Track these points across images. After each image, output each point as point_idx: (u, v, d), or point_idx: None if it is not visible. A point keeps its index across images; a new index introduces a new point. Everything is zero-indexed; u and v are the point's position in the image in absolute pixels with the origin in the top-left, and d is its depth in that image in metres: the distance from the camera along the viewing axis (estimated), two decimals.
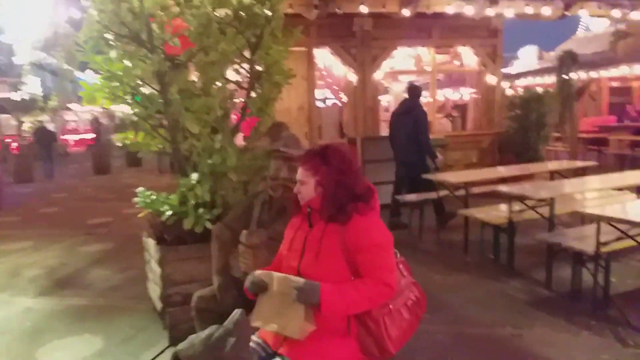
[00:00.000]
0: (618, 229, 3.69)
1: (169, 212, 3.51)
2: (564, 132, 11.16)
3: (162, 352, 3.50)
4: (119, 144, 4.30)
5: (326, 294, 1.92)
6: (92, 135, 18.81)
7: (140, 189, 3.73)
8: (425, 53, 9.50)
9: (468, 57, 9.26)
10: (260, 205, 2.93)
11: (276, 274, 2.05)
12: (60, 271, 5.44)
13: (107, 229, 7.50)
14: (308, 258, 2.08)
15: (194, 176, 3.56)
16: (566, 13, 7.84)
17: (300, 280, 1.96)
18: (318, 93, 8.42)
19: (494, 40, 9.14)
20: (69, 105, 26.31)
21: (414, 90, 6.58)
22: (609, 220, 3.62)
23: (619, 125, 13.39)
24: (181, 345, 1.61)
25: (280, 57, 4.11)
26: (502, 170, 6.36)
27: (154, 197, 3.64)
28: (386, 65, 8.76)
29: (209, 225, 3.51)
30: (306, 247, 2.11)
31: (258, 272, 2.10)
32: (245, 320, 1.68)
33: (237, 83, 4.33)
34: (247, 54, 4.14)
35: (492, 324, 3.78)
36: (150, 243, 3.87)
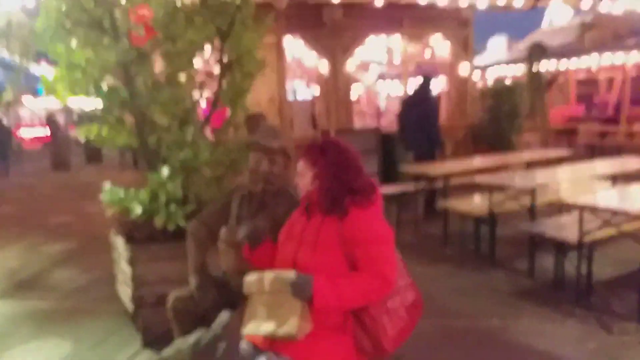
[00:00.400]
0: (602, 218, 3.65)
1: (139, 210, 3.29)
2: (535, 123, 11.28)
3: (135, 354, 3.31)
4: (82, 139, 4.05)
5: (319, 286, 1.83)
6: (47, 131, 17.99)
7: (107, 185, 3.49)
8: (397, 44, 9.42)
9: (440, 47, 9.21)
10: (239, 200, 2.75)
11: (266, 275, 1.92)
12: (21, 273, 5.13)
13: (69, 227, 7.15)
14: (305, 249, 2.00)
15: (165, 171, 3.35)
16: (537, 3, 7.86)
17: (292, 274, 1.86)
18: (288, 85, 8.24)
19: (464, 30, 9.12)
20: (22, 100, 25.26)
21: (426, 81, 6.56)
22: (593, 209, 3.59)
23: (587, 115, 13.68)
24: (167, 352, 1.44)
25: (253, 45, 3.92)
26: (480, 161, 6.33)
27: (122, 193, 3.41)
28: (357, 55, 8.62)
29: (181, 222, 3.33)
30: (303, 238, 2.03)
31: (249, 276, 1.97)
32: (234, 323, 1.52)
33: (207, 73, 4.13)
34: (217, 42, 3.95)
35: (477, 315, 3.72)
36: (119, 242, 3.64)
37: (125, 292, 3.68)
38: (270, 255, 2.20)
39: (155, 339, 3.37)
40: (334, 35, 8.13)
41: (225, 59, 3.89)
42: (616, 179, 5.60)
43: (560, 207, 5.79)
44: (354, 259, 1.94)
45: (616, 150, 11.74)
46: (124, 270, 3.62)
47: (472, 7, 8.34)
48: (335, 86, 8.23)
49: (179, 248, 3.44)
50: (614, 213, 3.55)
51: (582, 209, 3.68)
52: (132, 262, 3.39)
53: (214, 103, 3.99)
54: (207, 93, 4.09)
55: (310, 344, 1.86)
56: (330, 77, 8.17)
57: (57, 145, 15.13)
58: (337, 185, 1.99)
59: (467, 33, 9.09)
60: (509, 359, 3.09)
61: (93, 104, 3.75)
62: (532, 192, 4.51)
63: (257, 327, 1.90)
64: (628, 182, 5.55)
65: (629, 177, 5.80)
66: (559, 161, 6.65)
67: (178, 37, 3.66)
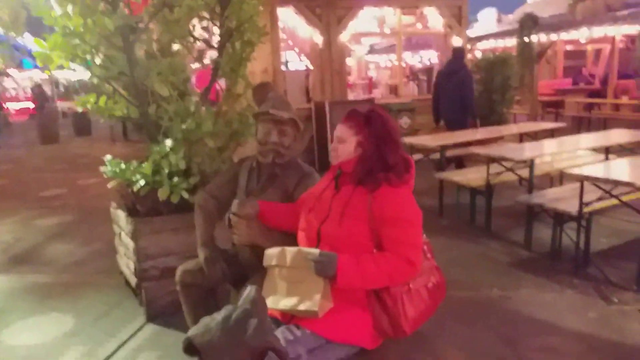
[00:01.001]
0: (602, 189, 3.70)
1: (142, 182, 3.23)
2: (523, 95, 11.29)
3: (140, 328, 3.30)
4: (79, 110, 3.95)
5: (343, 265, 1.81)
6: (34, 104, 17.60)
7: (108, 157, 3.43)
8: (390, 14, 9.28)
9: (433, 19, 9.10)
10: (247, 172, 2.71)
11: (288, 249, 1.90)
12: (16, 247, 5.07)
13: (62, 200, 7.05)
14: (332, 219, 1.98)
15: (168, 142, 3.29)
16: None
17: (316, 251, 1.85)
18: (281, 55, 8.10)
19: (459, 1, 9.00)
20: (8, 72, 24.58)
21: (459, 52, 6.83)
22: (594, 181, 3.62)
23: (574, 88, 13.72)
24: (194, 330, 1.42)
25: (254, 12, 3.82)
26: (475, 133, 6.33)
27: (123, 165, 3.35)
28: (351, 26, 8.48)
29: (185, 195, 3.29)
30: (332, 208, 2.00)
31: (270, 250, 1.96)
32: (262, 298, 1.50)
33: (206, 41, 4.02)
34: (217, 9, 3.83)
35: (478, 286, 3.77)
36: (121, 215, 3.60)
37: (127, 265, 3.65)
38: (284, 213, 2.28)
39: (159, 313, 3.38)
40: (329, 4, 7.98)
41: (225, 26, 3.78)
42: (608, 150, 5.66)
43: (552, 179, 5.88)
44: (379, 237, 1.92)
45: (602, 123, 11.89)
46: (126, 243, 3.59)
47: None
48: (330, 57, 8.12)
49: (182, 221, 3.43)
50: (616, 184, 3.58)
51: (583, 180, 3.71)
52: (134, 235, 3.34)
53: (214, 72, 3.90)
54: (206, 62, 4.01)
55: (329, 318, 1.84)
56: (325, 49, 8.05)
57: (44, 117, 14.75)
58: (376, 157, 1.97)
59: (462, 3, 8.99)
60: (513, 329, 3.13)
61: (86, 74, 3.64)
62: (531, 164, 4.53)
63: (277, 301, 1.88)
64: (620, 155, 5.64)
65: (622, 149, 5.89)
66: (550, 133, 6.72)
67: (175, 4, 3.56)
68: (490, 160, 4.83)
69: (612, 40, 12.48)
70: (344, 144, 2.03)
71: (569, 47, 15.73)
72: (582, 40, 13.68)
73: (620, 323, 3.15)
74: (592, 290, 3.61)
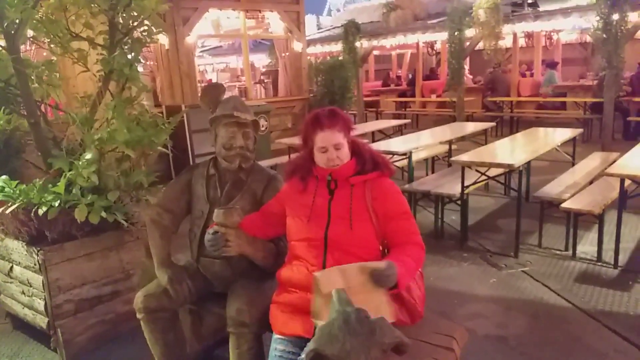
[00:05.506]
0: (479, 172, 4.32)
1: (56, 203, 2.75)
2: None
3: None
4: None
5: (401, 270, 1.78)
6: None
7: (4, 177, 2.82)
8: (225, 18, 9.26)
9: (274, 23, 9.34)
10: (204, 180, 2.54)
11: (342, 267, 1.73)
12: None
13: None
14: (339, 225, 1.97)
15: (88, 156, 2.85)
16: None
17: (382, 264, 1.73)
18: None
19: (296, 6, 9.39)
20: None
21: None
22: (478, 166, 4.22)
23: (387, 89, 15.36)
24: (319, 343, 1.30)
25: (157, 7, 3.50)
26: None
27: (23, 186, 2.79)
28: (197, 28, 8.23)
29: (104, 214, 2.91)
30: (332, 214, 1.99)
31: (318, 273, 1.73)
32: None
33: (89, 40, 3.56)
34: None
35: None
36: (15, 245, 3.01)
37: (30, 304, 3.05)
38: (260, 221, 2.24)
39: (78, 352, 2.95)
40: (173, 4, 7.60)
41: (124, 23, 3.41)
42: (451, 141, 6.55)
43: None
44: (386, 233, 1.99)
45: (416, 119, 13.58)
46: (26, 278, 3.01)
47: None
48: (177, 59, 7.76)
49: (97, 244, 3.08)
50: (491, 166, 4.22)
51: (464, 165, 4.29)
52: (44, 267, 2.83)
53: (107, 75, 3.48)
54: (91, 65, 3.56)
55: None
56: (172, 49, 7.66)
57: None
58: (365, 153, 2.05)
59: (299, 9, 9.39)
60: (440, 304, 3.45)
61: None
62: (409, 155, 5.03)
63: None
64: (458, 145, 6.58)
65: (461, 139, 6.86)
66: (401, 129, 7.54)
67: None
68: None
69: (417, 46, 14.29)
70: (342, 149, 2.01)
71: (376, 52, 17.54)
72: (387, 46, 15.41)
73: (515, 283, 3.74)
74: (481, 260, 4.20)
